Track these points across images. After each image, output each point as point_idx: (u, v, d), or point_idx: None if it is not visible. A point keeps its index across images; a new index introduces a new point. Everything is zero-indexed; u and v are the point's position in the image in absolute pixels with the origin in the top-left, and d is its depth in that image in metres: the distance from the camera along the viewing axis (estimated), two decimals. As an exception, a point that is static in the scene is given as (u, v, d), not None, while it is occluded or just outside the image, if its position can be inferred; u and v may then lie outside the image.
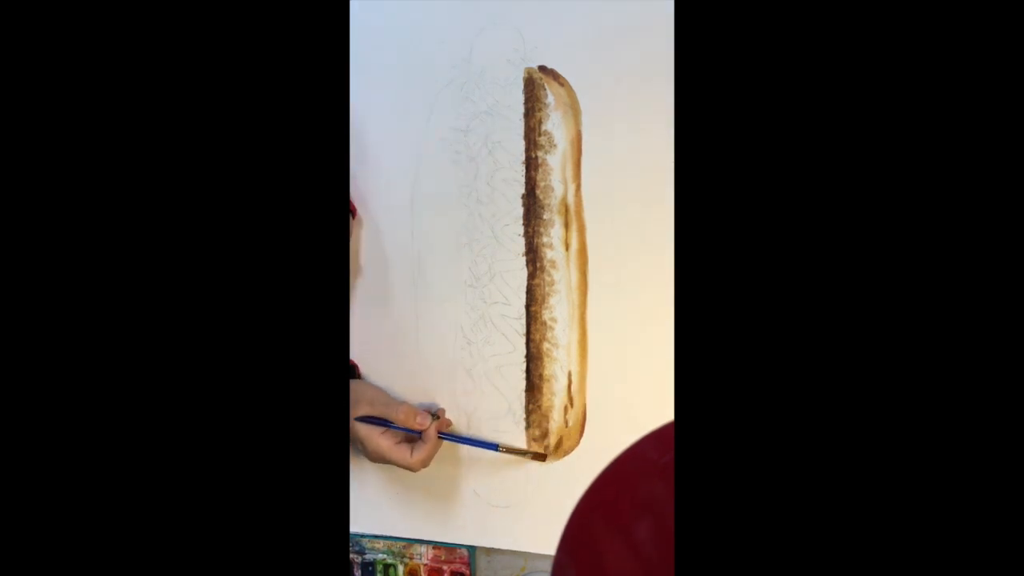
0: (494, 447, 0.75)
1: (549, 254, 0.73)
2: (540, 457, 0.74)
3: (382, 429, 0.73)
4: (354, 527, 0.82)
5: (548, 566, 0.76)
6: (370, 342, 0.80)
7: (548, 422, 0.74)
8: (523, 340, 0.75)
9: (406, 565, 0.81)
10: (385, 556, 0.81)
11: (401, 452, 0.72)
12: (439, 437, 0.74)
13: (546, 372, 0.74)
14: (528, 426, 0.75)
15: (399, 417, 0.73)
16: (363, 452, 0.75)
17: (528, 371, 0.75)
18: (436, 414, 0.75)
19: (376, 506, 0.81)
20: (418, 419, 0.73)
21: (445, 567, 0.79)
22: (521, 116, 0.73)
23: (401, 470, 0.76)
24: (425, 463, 0.73)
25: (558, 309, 0.73)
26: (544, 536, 0.75)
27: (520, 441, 0.75)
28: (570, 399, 0.74)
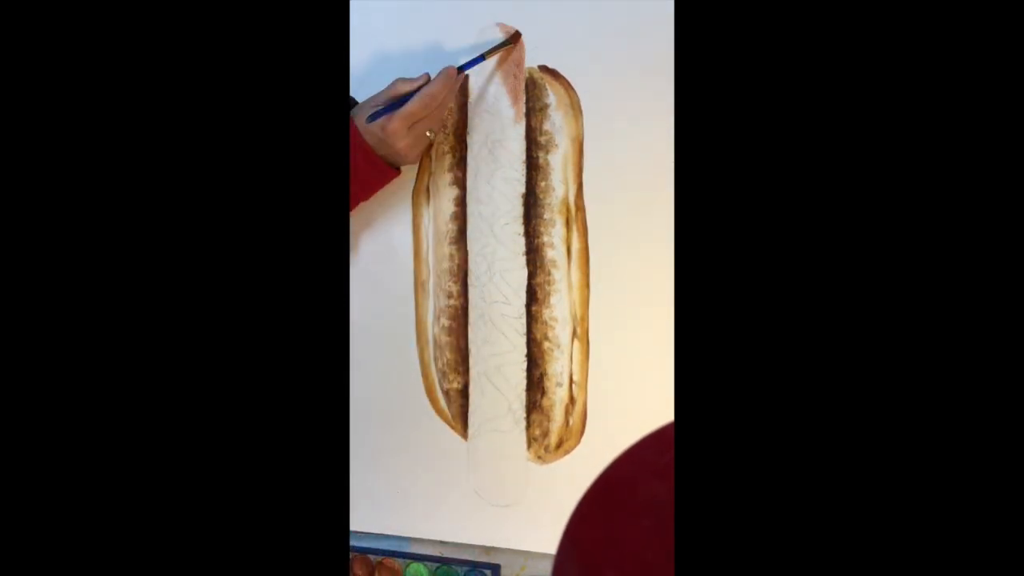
0: (481, 59, 0.72)
1: (550, 254, 0.73)
2: (515, 38, 0.72)
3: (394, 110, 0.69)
4: (354, 526, 0.82)
5: (548, 566, 0.76)
6: (370, 341, 0.80)
7: (548, 422, 0.74)
8: (523, 340, 0.75)
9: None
10: None
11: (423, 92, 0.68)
12: (456, 69, 0.70)
13: (547, 371, 0.74)
14: (528, 425, 0.75)
15: (396, 87, 0.70)
16: (392, 146, 0.70)
17: (528, 371, 0.75)
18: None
19: (376, 505, 0.81)
20: (417, 80, 0.70)
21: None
22: (521, 116, 0.73)
23: (401, 468, 0.76)
24: (441, 94, 0.69)
25: (559, 308, 0.74)
26: (544, 536, 0.75)
27: (521, 443, 0.75)
28: (571, 399, 0.74)
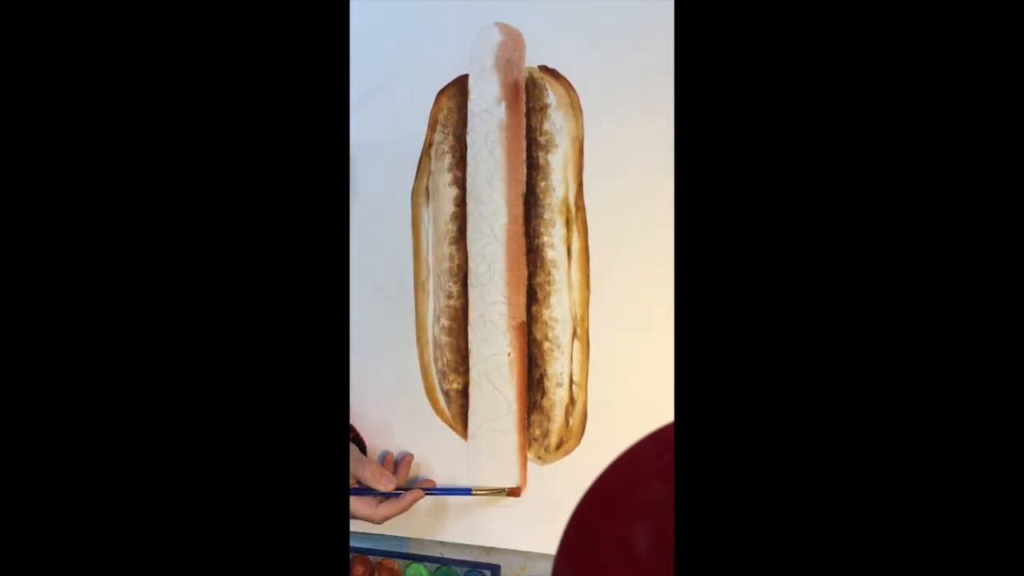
0: (467, 492, 0.75)
1: (550, 254, 0.73)
2: (515, 493, 0.75)
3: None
4: (354, 526, 0.82)
5: (548, 566, 0.76)
6: (370, 341, 0.80)
7: (549, 422, 0.74)
8: (524, 340, 0.75)
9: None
10: None
11: (366, 505, 0.72)
12: (420, 490, 0.74)
13: (547, 372, 0.74)
14: (528, 426, 0.75)
15: (365, 475, 0.72)
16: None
17: (529, 371, 0.75)
18: (400, 466, 0.76)
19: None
20: (383, 481, 0.72)
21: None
22: (521, 116, 0.73)
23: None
24: (388, 518, 0.72)
25: (559, 309, 0.73)
26: (544, 536, 0.75)
27: (511, 446, 0.75)
28: (571, 399, 0.74)
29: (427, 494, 0.75)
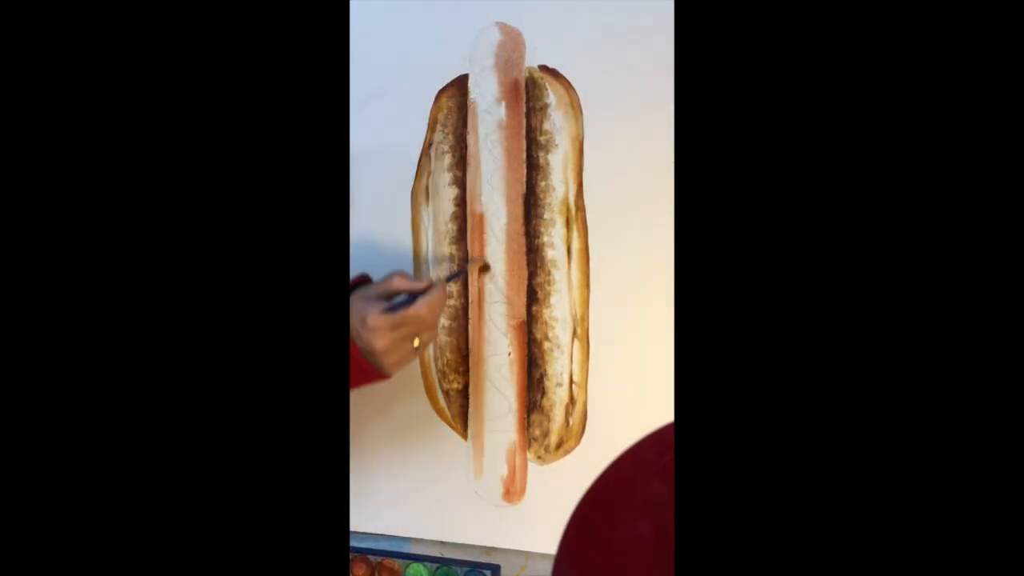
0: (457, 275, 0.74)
1: (550, 254, 0.73)
2: (485, 269, 0.75)
3: (382, 306, 0.64)
4: (354, 526, 0.82)
5: (548, 566, 0.76)
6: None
7: (549, 422, 0.74)
8: (524, 340, 0.75)
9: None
10: None
11: (418, 312, 0.64)
12: (445, 280, 0.69)
13: (547, 371, 0.74)
14: (528, 425, 0.75)
15: (395, 282, 0.66)
16: (367, 335, 0.64)
17: (529, 371, 0.75)
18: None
19: (376, 505, 0.81)
20: (416, 282, 0.66)
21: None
22: (521, 116, 0.73)
23: (404, 466, 0.76)
24: (435, 309, 0.65)
25: (559, 308, 0.73)
26: (544, 536, 0.75)
27: (511, 446, 0.75)
28: (571, 399, 0.74)
29: (450, 280, 0.72)
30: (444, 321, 0.77)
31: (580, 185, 0.72)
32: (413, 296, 0.66)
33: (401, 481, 0.80)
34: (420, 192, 0.78)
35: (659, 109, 0.68)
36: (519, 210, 0.74)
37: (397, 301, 0.66)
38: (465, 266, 0.75)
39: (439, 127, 0.77)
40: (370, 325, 0.63)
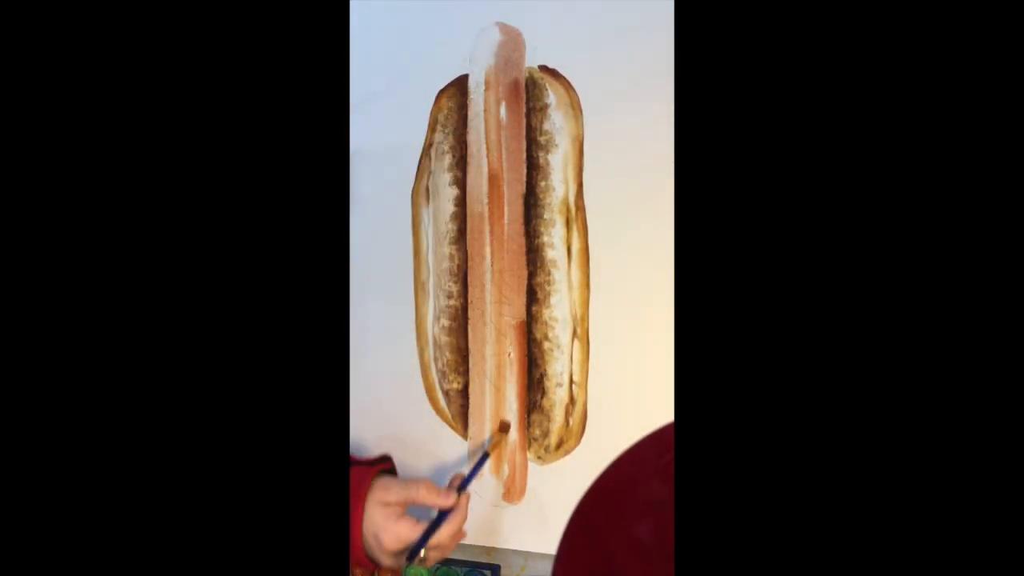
0: (486, 456, 0.75)
1: (550, 254, 0.73)
2: (504, 427, 0.75)
3: (399, 513, 0.65)
4: (354, 527, 0.82)
5: (548, 566, 0.76)
6: (370, 341, 0.80)
7: (549, 422, 0.74)
8: (523, 340, 0.75)
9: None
10: None
11: (446, 527, 0.65)
12: (463, 489, 0.69)
13: (547, 371, 0.74)
14: (528, 426, 0.75)
15: (420, 494, 0.65)
16: (378, 550, 0.65)
17: (529, 371, 0.75)
18: (453, 480, 0.70)
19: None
20: (441, 496, 0.66)
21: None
22: (522, 116, 0.73)
23: (401, 468, 0.76)
24: (457, 536, 0.66)
25: (559, 308, 0.73)
26: (544, 536, 0.75)
27: (511, 446, 0.75)
28: (571, 399, 0.74)
29: (463, 489, 0.70)
30: (444, 321, 0.77)
31: (580, 185, 0.72)
32: (439, 516, 0.66)
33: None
34: (420, 192, 0.78)
35: (659, 109, 0.68)
36: (519, 210, 0.74)
37: (419, 538, 0.65)
38: (486, 460, 0.75)
39: (439, 127, 0.77)
40: (386, 549, 0.64)
